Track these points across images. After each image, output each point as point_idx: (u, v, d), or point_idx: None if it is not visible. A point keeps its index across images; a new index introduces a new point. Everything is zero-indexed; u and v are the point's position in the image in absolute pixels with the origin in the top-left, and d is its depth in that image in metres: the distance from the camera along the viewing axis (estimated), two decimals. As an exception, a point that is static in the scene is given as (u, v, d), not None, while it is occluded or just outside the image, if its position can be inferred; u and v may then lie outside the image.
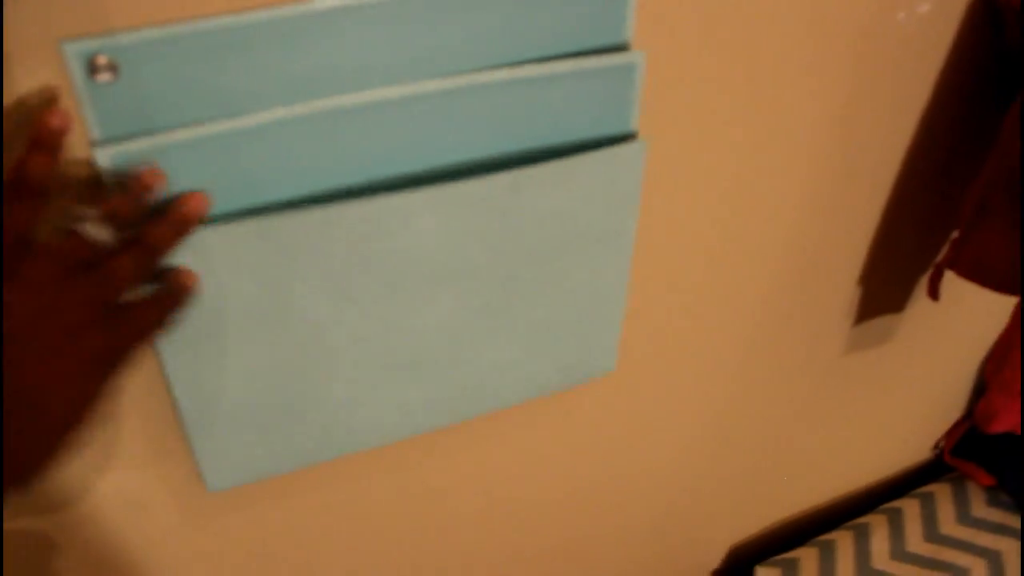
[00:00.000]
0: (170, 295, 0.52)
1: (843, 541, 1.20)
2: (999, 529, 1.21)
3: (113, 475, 0.63)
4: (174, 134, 0.49)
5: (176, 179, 0.51)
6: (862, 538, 1.20)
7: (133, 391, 0.60)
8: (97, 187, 0.49)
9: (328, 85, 0.52)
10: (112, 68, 0.46)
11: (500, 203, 0.61)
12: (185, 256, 0.53)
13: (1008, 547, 1.19)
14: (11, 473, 0.42)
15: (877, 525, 1.22)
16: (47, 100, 0.46)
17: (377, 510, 0.80)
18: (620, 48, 0.60)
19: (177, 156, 0.50)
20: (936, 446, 1.37)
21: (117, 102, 0.47)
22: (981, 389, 1.25)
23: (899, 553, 1.18)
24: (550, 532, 0.97)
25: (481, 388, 0.71)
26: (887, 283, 0.97)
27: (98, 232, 0.47)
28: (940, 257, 0.87)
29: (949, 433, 1.32)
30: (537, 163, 0.60)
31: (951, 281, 0.91)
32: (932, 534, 1.21)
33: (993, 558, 1.18)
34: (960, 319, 1.09)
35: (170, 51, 0.47)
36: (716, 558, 1.25)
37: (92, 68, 0.46)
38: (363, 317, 0.62)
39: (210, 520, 0.71)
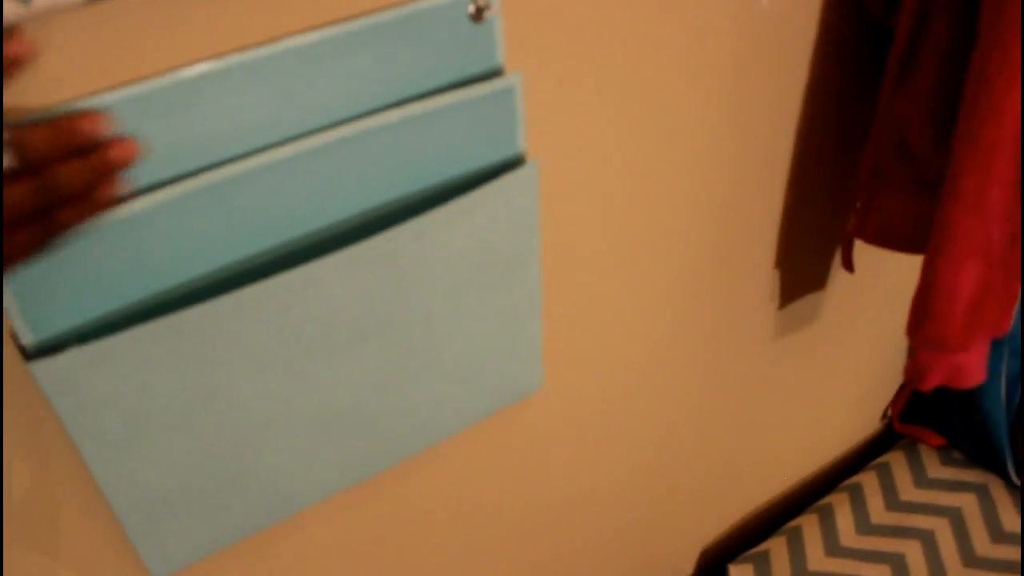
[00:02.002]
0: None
1: (809, 525, 1.20)
2: (956, 486, 1.23)
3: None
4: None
5: (69, 272, 0.49)
6: (827, 519, 1.21)
7: (67, 493, 0.58)
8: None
9: (210, 154, 0.51)
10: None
11: (406, 252, 0.60)
12: (93, 365, 0.52)
13: (967, 502, 1.21)
14: None
15: (840, 503, 1.23)
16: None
17: (329, 557, 0.78)
18: (495, 73, 0.60)
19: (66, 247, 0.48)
20: (884, 415, 1.39)
21: None
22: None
23: (865, 527, 1.19)
24: (508, 557, 0.96)
25: (415, 428, 0.70)
26: (803, 263, 0.98)
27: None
28: (847, 228, 0.89)
29: (894, 400, 1.35)
30: (435, 206, 0.60)
31: (864, 250, 0.93)
32: (893, 502, 1.22)
33: (954, 515, 1.19)
34: (882, 286, 1.11)
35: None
36: (688, 563, 1.24)
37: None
38: (287, 386, 0.61)
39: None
